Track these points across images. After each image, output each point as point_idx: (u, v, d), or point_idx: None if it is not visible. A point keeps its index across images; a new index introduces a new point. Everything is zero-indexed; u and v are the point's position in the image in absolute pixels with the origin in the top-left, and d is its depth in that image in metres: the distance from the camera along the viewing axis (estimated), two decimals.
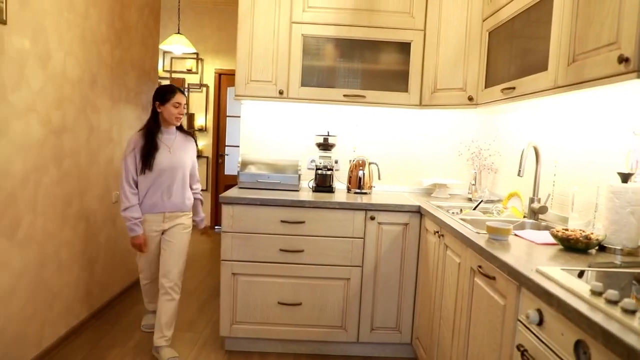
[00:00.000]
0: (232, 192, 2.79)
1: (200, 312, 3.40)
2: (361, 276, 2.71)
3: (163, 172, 2.59)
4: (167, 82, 6.06)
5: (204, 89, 6.24)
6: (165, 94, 2.60)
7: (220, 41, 6.17)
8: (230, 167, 6.40)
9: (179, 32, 5.14)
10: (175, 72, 6.20)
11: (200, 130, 6.28)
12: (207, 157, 6.34)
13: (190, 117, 6.25)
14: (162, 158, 2.58)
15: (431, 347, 2.32)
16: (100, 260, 3.23)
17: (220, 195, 2.67)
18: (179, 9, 5.46)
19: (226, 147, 6.40)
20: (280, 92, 2.92)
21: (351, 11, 2.88)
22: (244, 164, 3.08)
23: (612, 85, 1.47)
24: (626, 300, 1.02)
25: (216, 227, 6.42)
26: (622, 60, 1.37)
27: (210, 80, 6.24)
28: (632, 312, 1.00)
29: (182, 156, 2.68)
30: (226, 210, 2.66)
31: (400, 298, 2.74)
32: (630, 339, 0.90)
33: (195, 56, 6.15)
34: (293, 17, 2.88)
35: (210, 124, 6.30)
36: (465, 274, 1.87)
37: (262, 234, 2.67)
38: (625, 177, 1.68)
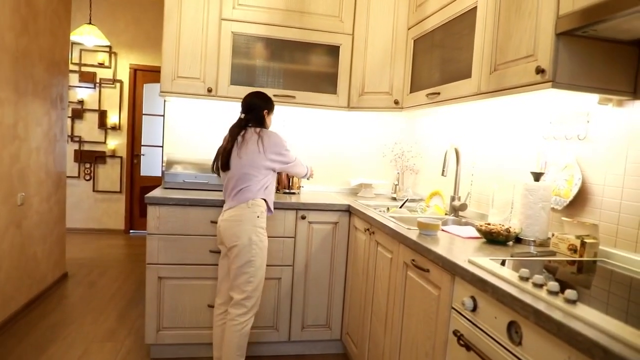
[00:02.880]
0: (158, 193, 2.67)
1: (121, 320, 3.20)
2: (292, 275, 2.73)
3: None
4: (76, 76, 5.70)
5: (118, 84, 5.89)
6: (272, 102, 2.48)
7: (135, 35, 5.87)
8: (147, 168, 6.11)
9: (90, 23, 4.80)
10: (85, 65, 5.79)
11: (114, 128, 5.92)
12: (121, 157, 5.98)
13: (102, 115, 5.87)
14: None
15: (362, 341, 2.40)
16: (4, 269, 2.92)
17: (145, 196, 2.54)
18: None
19: (142, 147, 6.09)
20: (209, 90, 2.85)
21: (282, 12, 2.89)
22: (169, 164, 2.97)
23: (530, 93, 1.63)
24: (551, 283, 1.14)
25: (131, 231, 6.08)
26: (539, 71, 1.53)
27: (124, 75, 5.91)
28: (555, 294, 1.12)
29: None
30: (152, 212, 2.54)
31: (331, 295, 2.80)
32: (557, 315, 1.02)
33: (108, 49, 5.79)
34: (223, 13, 2.83)
35: (124, 122, 5.95)
36: (398, 268, 1.96)
37: (191, 236, 2.59)
38: (537, 176, 1.87)
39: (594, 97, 1.65)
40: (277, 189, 3.12)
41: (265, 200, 2.31)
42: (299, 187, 3.14)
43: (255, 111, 2.38)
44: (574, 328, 0.96)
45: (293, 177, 3.08)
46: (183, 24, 2.81)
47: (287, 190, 3.09)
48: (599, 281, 1.40)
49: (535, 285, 1.18)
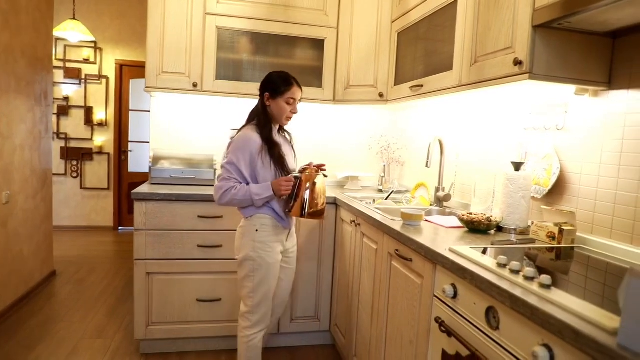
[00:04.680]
0: (145, 188, 2.67)
1: (110, 317, 3.21)
2: None
3: None
4: (61, 72, 5.64)
5: (104, 80, 5.85)
6: (279, 84, 2.09)
7: (120, 30, 5.82)
8: (135, 164, 6.08)
9: (74, 18, 4.75)
10: (70, 61, 5.74)
11: (100, 125, 5.88)
12: (109, 154, 5.95)
13: (89, 111, 5.83)
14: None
15: (350, 331, 2.43)
16: None
17: (132, 192, 2.55)
18: None
19: (129, 143, 6.06)
20: (194, 85, 2.85)
21: (267, 6, 2.89)
22: (156, 160, 2.97)
23: (508, 85, 1.66)
24: (527, 269, 1.17)
25: (120, 227, 6.06)
26: (517, 62, 1.56)
27: (110, 71, 5.86)
28: (531, 279, 1.16)
29: (292, 163, 2.21)
30: (139, 207, 2.55)
31: (319, 287, 2.83)
32: (532, 300, 1.05)
33: (93, 45, 5.74)
34: (207, 8, 2.83)
35: (111, 119, 5.92)
36: (383, 258, 1.99)
37: (178, 231, 2.60)
38: (517, 166, 1.91)
39: (571, 88, 1.69)
40: None
41: (267, 215, 2.08)
42: None
43: (259, 96, 2.14)
44: (547, 311, 0.99)
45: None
46: (167, 19, 2.80)
47: None
48: (576, 267, 1.44)
49: (513, 271, 1.21)
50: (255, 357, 2.15)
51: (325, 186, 2.18)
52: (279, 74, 2.14)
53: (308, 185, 2.08)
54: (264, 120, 2.11)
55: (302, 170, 2.16)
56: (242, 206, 2.09)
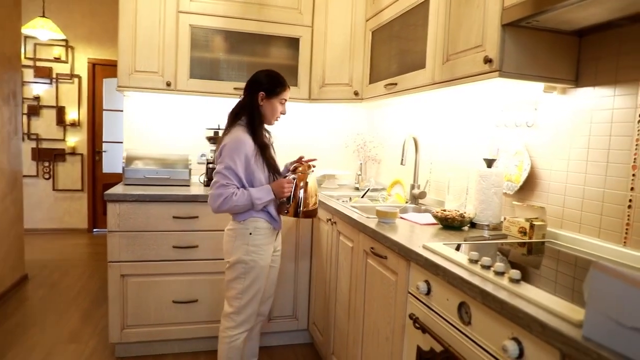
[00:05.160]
0: (118, 189, 2.63)
1: (84, 320, 3.14)
2: None
3: None
4: (31, 71, 5.50)
5: (76, 80, 5.72)
6: (275, 84, 2.06)
7: (93, 28, 5.70)
8: (110, 165, 5.97)
9: (43, 16, 4.64)
10: (40, 60, 5.59)
11: (73, 125, 5.74)
12: (82, 155, 5.82)
13: (61, 111, 5.69)
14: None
15: (328, 330, 2.44)
16: None
17: (105, 193, 2.50)
18: None
19: (104, 144, 5.94)
20: (168, 84, 2.81)
21: (240, 4, 2.87)
22: (130, 160, 2.91)
23: (479, 82, 1.68)
24: (498, 264, 1.19)
25: (95, 229, 5.94)
26: (487, 60, 1.58)
27: (82, 70, 5.74)
28: (501, 274, 1.17)
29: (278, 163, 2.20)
30: (112, 209, 2.50)
31: (296, 286, 2.82)
32: (501, 295, 1.07)
33: (64, 43, 5.60)
34: (180, 6, 2.79)
35: (84, 119, 5.79)
36: (359, 256, 2.00)
37: (153, 232, 2.56)
38: (489, 163, 1.93)
39: (540, 86, 1.72)
40: None
41: (260, 218, 2.05)
42: None
43: (248, 94, 2.07)
44: (516, 305, 1.01)
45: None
46: (139, 16, 2.75)
47: None
48: (546, 261, 1.47)
49: (484, 267, 1.23)
50: (235, 358, 2.12)
51: (316, 184, 2.16)
52: (271, 74, 2.10)
53: (302, 184, 2.07)
54: (257, 121, 2.05)
55: (294, 169, 2.12)
56: (241, 211, 2.03)
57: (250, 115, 2.04)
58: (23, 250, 3.89)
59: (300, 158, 2.20)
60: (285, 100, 2.12)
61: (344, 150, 3.50)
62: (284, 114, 2.14)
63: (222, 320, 2.13)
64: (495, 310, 1.07)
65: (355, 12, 2.85)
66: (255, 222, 2.04)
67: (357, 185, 3.27)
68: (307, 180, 2.09)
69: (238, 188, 1.97)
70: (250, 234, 2.03)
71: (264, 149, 2.03)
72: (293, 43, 3.00)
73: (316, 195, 2.14)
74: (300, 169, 2.11)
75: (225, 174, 1.95)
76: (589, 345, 0.82)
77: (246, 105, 2.06)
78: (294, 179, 2.07)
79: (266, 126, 2.17)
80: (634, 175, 1.43)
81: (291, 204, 2.06)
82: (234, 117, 2.09)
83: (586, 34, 1.60)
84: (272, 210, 2.09)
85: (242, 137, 1.98)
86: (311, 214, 2.12)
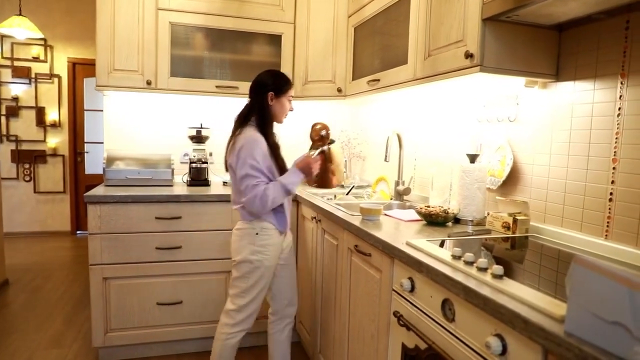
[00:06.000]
0: (99, 191, 2.58)
1: (67, 325, 3.08)
2: None
3: None
4: (8, 71, 5.38)
5: (56, 79, 5.61)
6: (282, 83, 2.06)
7: (72, 27, 5.59)
8: (92, 166, 5.88)
9: (20, 14, 4.53)
10: (18, 59, 5.47)
11: (54, 126, 5.64)
12: (64, 156, 5.72)
13: (40, 112, 5.58)
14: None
15: (314, 328, 2.42)
16: None
17: (85, 195, 2.45)
18: None
19: (85, 144, 5.84)
20: (148, 83, 2.76)
21: (221, 1, 2.83)
22: (110, 160, 2.86)
23: (461, 77, 1.68)
24: (480, 260, 1.18)
25: (78, 232, 5.85)
26: (468, 55, 1.57)
27: (62, 70, 5.63)
28: (484, 270, 1.17)
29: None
30: (92, 211, 2.45)
31: None
32: (484, 291, 1.06)
33: (42, 42, 5.49)
34: (159, 3, 2.74)
35: (64, 119, 5.69)
36: (343, 254, 1.98)
37: (135, 233, 2.52)
38: (472, 158, 1.93)
39: (521, 80, 1.72)
40: (224, 182, 3.06)
41: (266, 219, 2.03)
42: None
43: (256, 95, 2.05)
44: (498, 301, 1.00)
45: None
46: (117, 14, 2.70)
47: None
48: (529, 255, 1.47)
49: (467, 263, 1.22)
50: (228, 357, 2.11)
51: (341, 153, 2.21)
52: (275, 73, 2.11)
53: (329, 157, 2.12)
54: (268, 121, 2.05)
55: (316, 144, 2.13)
56: (282, 202, 2.03)
57: (261, 116, 2.03)
58: (3, 255, 3.81)
59: (322, 127, 2.18)
60: (292, 97, 2.14)
61: None
62: (291, 110, 2.16)
63: (222, 316, 2.13)
64: (478, 306, 1.06)
65: (338, 8, 2.83)
66: (261, 222, 2.03)
67: (341, 183, 3.25)
68: (332, 152, 2.12)
69: (266, 182, 1.97)
70: (257, 234, 2.03)
71: (275, 148, 2.04)
72: (275, 40, 2.97)
73: (339, 168, 2.19)
74: (324, 146, 2.11)
75: (253, 174, 1.93)
76: (571, 341, 0.81)
77: (255, 107, 2.05)
78: (322, 151, 2.09)
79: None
80: (614, 168, 1.43)
81: (325, 175, 2.10)
82: (243, 120, 2.07)
83: (566, 28, 1.61)
84: (279, 214, 2.07)
85: (255, 136, 1.98)
86: (339, 182, 2.20)
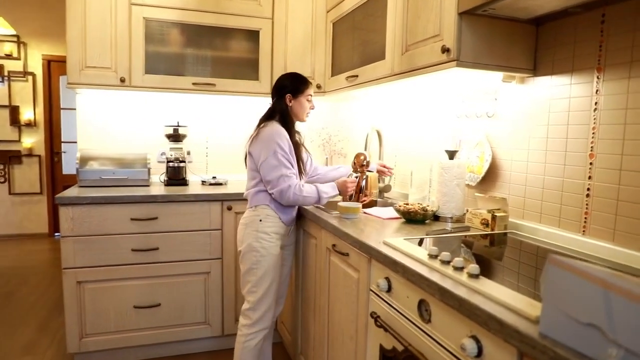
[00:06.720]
0: (72, 192, 2.50)
1: (41, 331, 2.99)
2: (222, 268, 2.66)
3: None
4: None
5: (30, 77, 5.45)
6: (298, 84, 2.12)
7: (46, 23, 5.44)
8: (70, 166, 5.73)
9: None
10: None
11: (29, 125, 5.49)
12: (40, 156, 5.58)
13: (14, 111, 5.42)
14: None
15: (295, 329, 2.38)
16: None
17: (56, 196, 2.37)
18: None
19: (62, 144, 5.70)
20: (122, 80, 2.68)
21: None
22: (84, 160, 2.78)
23: (439, 72, 1.65)
24: (456, 259, 1.16)
25: (56, 234, 5.72)
26: (445, 50, 1.54)
27: (37, 67, 5.48)
28: (461, 269, 1.14)
29: (308, 164, 2.36)
30: (65, 213, 2.37)
31: None
32: (460, 291, 1.03)
33: (15, 39, 5.34)
34: None
35: (40, 118, 5.54)
36: (322, 253, 1.95)
37: (110, 235, 2.45)
38: (451, 154, 1.91)
39: (499, 75, 1.69)
40: (203, 182, 3.01)
41: (269, 206, 2.05)
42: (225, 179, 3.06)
43: (277, 97, 2.13)
44: (473, 302, 0.97)
45: None
46: (89, 9, 2.61)
47: (214, 182, 2.99)
48: (508, 252, 1.46)
49: (443, 262, 1.20)
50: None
51: (376, 180, 2.40)
52: (293, 75, 2.17)
53: (363, 183, 2.27)
54: (289, 121, 2.11)
55: (358, 169, 2.29)
56: (307, 205, 2.13)
57: (282, 117, 2.10)
58: None
59: (362, 161, 2.29)
60: (311, 95, 2.18)
61: (309, 145, 3.41)
62: (312, 109, 2.22)
63: (240, 317, 2.13)
64: (454, 307, 1.03)
65: (316, 4, 2.79)
66: (265, 209, 2.06)
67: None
68: (366, 179, 2.29)
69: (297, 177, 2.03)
70: (261, 220, 2.04)
71: (296, 147, 2.09)
72: (253, 36, 2.91)
73: (373, 191, 2.36)
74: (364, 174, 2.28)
75: (285, 163, 1.98)
76: (546, 343, 0.79)
77: (276, 109, 2.12)
78: (356, 177, 2.24)
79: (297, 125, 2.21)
80: (591, 164, 1.42)
81: (353, 197, 2.22)
82: (267, 119, 2.12)
83: (543, 22, 1.59)
84: (286, 207, 2.10)
85: (281, 130, 2.03)
86: (369, 205, 2.30)
